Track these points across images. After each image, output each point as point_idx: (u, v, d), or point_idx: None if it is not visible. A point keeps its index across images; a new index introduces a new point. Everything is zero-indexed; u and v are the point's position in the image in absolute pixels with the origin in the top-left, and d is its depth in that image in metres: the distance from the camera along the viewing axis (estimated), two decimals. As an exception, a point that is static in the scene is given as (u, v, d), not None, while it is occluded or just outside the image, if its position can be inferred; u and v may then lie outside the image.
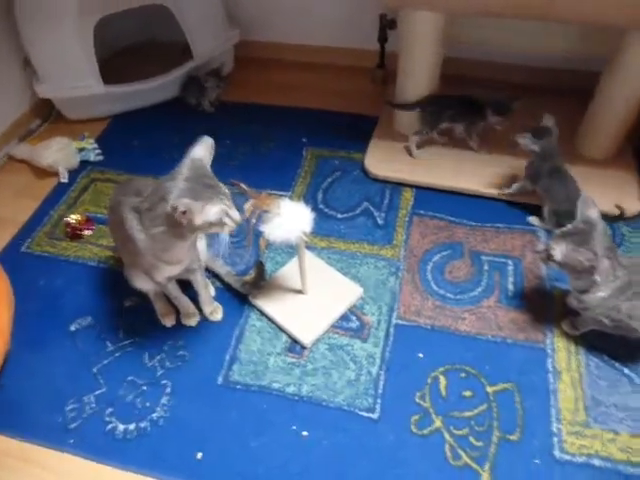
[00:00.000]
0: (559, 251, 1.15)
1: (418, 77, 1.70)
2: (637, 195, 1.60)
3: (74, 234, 1.63)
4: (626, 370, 1.25)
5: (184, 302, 1.36)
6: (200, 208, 1.02)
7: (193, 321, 1.39)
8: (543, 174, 1.51)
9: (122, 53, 2.29)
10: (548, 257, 1.18)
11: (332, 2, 2.12)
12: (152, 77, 2.02)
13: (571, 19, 1.43)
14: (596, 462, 1.11)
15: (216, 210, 1.04)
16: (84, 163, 1.89)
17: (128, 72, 2.05)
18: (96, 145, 1.93)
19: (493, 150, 1.76)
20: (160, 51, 2.26)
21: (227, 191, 1.09)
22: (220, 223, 1.07)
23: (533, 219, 1.58)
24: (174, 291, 1.31)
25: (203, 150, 1.10)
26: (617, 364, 1.26)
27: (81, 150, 1.90)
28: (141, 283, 1.30)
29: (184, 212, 1.01)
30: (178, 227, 1.05)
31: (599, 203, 1.54)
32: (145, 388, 1.28)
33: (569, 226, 1.18)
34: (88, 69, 1.92)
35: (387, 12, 1.98)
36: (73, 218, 1.65)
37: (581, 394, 1.22)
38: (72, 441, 1.20)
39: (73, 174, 1.86)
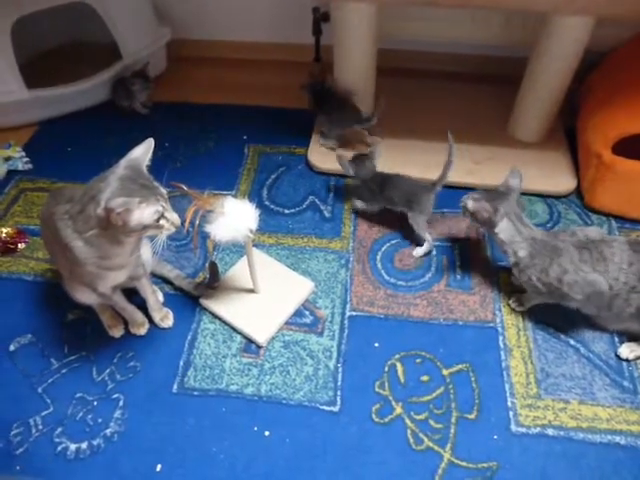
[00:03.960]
0: (471, 202, 1.30)
1: (353, 69, 1.71)
2: (570, 174, 1.67)
3: (6, 248, 1.54)
4: (572, 341, 1.31)
5: (131, 311, 1.30)
6: (134, 208, 0.97)
7: (142, 330, 1.34)
8: (375, 191, 1.53)
9: (47, 55, 2.17)
10: (464, 208, 1.33)
11: (264, -3, 2.10)
12: (80, 80, 1.93)
13: (492, 5, 1.47)
14: (550, 431, 1.16)
15: (151, 210, 1.00)
16: (12, 173, 1.79)
17: (55, 75, 1.94)
18: (24, 153, 1.83)
19: (436, 138, 1.80)
20: (88, 52, 2.16)
21: (164, 192, 1.05)
22: (157, 226, 1.02)
23: (417, 252, 1.52)
24: (120, 302, 1.26)
25: (141, 150, 1.06)
26: (562, 336, 1.32)
27: (7, 159, 1.79)
28: (83, 296, 1.24)
29: (118, 213, 0.96)
30: (111, 229, 1.00)
31: (535, 184, 1.61)
32: (96, 404, 1.23)
33: (491, 189, 1.33)
34: (9, 74, 1.81)
35: (319, 5, 1.98)
36: (4, 231, 1.56)
37: (532, 368, 1.26)
38: (19, 467, 1.13)
39: (0, 185, 1.75)
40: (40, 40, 2.13)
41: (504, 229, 1.27)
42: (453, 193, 1.66)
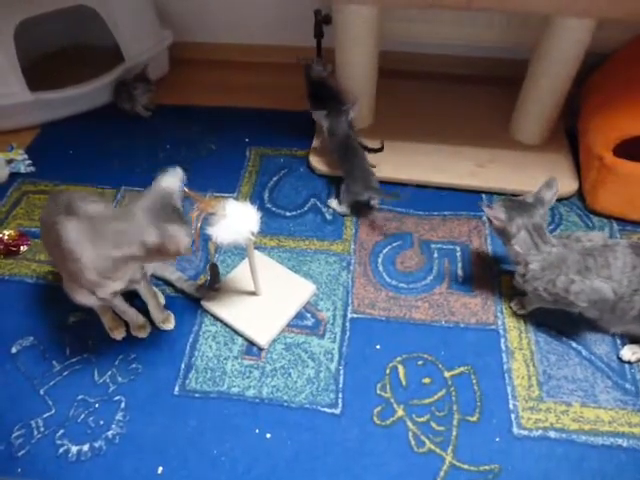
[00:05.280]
0: (487, 210, 1.25)
1: (355, 71, 1.71)
2: (571, 175, 1.67)
3: (8, 251, 1.54)
4: (574, 344, 1.31)
5: (132, 314, 1.30)
6: (187, 235, 1.03)
7: (144, 332, 1.34)
8: (334, 150, 1.64)
9: (50, 58, 2.17)
10: (488, 216, 1.27)
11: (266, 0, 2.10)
12: (82, 82, 1.94)
13: (494, 7, 1.46)
14: (552, 434, 1.16)
15: (189, 240, 1.05)
16: (14, 175, 1.79)
17: (57, 78, 1.95)
18: (26, 156, 1.83)
19: (438, 140, 1.80)
20: (91, 55, 2.16)
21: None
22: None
23: (332, 202, 1.65)
24: (121, 305, 1.26)
25: (171, 179, 1.09)
26: (564, 338, 1.32)
27: (10, 162, 1.79)
28: (83, 298, 1.24)
29: (174, 240, 1.01)
30: (154, 255, 1.03)
31: (537, 186, 1.61)
32: (97, 406, 1.23)
33: (522, 198, 1.26)
34: (11, 76, 1.82)
35: (321, 7, 1.98)
36: (6, 234, 1.56)
37: (533, 370, 1.26)
38: (20, 470, 1.13)
39: (2, 188, 1.75)
40: (43, 43, 2.14)
41: (520, 242, 1.23)
42: (455, 196, 1.67)
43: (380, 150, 1.73)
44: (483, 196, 1.66)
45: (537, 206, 1.24)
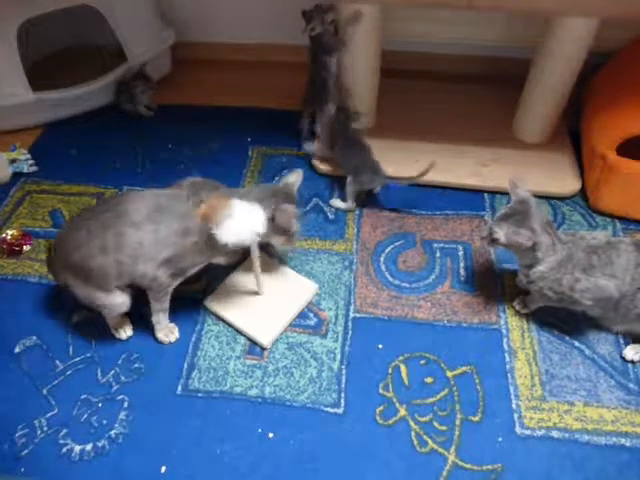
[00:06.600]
0: (502, 234, 1.19)
1: (357, 70, 1.71)
2: (575, 175, 1.66)
3: (11, 250, 1.54)
4: (576, 343, 1.30)
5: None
6: (293, 210, 1.25)
7: (173, 336, 1.34)
8: (339, 144, 1.63)
9: (52, 58, 2.17)
10: (493, 240, 1.22)
11: (266, -1, 2.11)
12: (85, 82, 1.94)
13: (497, 7, 1.46)
14: (555, 434, 1.16)
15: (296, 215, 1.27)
16: (17, 175, 1.79)
17: (60, 78, 1.95)
18: (29, 155, 1.84)
19: (441, 139, 1.79)
20: (93, 55, 2.16)
21: None
22: None
23: (335, 202, 1.65)
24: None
25: (294, 177, 1.35)
26: (567, 338, 1.31)
27: (13, 162, 1.80)
28: (115, 299, 1.24)
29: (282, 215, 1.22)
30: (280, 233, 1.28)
31: (539, 185, 1.60)
32: (100, 405, 1.23)
33: (506, 208, 1.22)
34: (14, 76, 1.82)
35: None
36: (9, 234, 1.56)
37: (536, 370, 1.26)
38: (23, 469, 1.13)
39: (5, 187, 1.76)
40: (45, 42, 2.14)
41: (544, 247, 1.19)
42: (457, 195, 1.67)
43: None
44: (485, 196, 1.66)
45: (530, 206, 1.20)
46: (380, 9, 1.57)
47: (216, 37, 2.27)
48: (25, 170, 1.80)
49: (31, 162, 1.83)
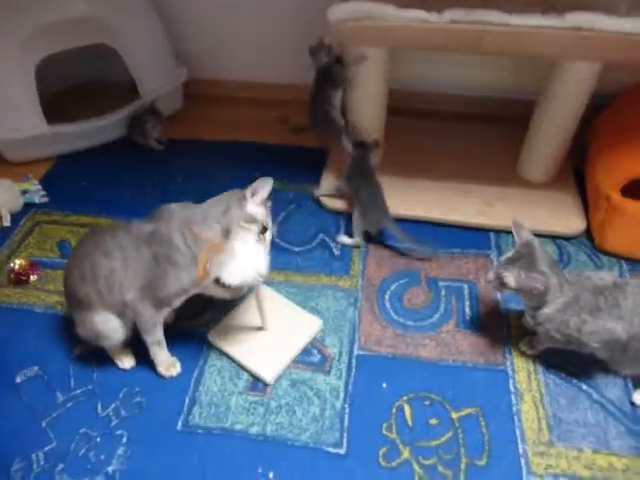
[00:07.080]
0: (512, 278, 1.19)
1: (365, 110, 1.75)
2: (580, 215, 1.67)
3: (18, 280, 1.55)
4: (584, 386, 1.28)
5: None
6: None
7: (175, 370, 1.33)
8: (353, 178, 1.65)
9: (68, 92, 2.23)
10: (501, 285, 1.21)
11: (278, 40, 2.17)
12: (98, 116, 1.99)
13: (502, 51, 1.50)
14: (563, 481, 1.12)
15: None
16: (28, 205, 1.82)
17: (74, 111, 2.01)
18: (40, 187, 1.87)
19: (447, 178, 1.81)
20: (108, 90, 2.22)
21: None
22: None
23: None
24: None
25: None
26: (575, 380, 1.29)
27: (25, 192, 1.83)
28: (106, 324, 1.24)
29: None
30: None
31: (545, 224, 1.61)
32: (99, 440, 1.21)
33: (512, 252, 1.22)
34: (30, 109, 1.87)
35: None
36: (17, 263, 1.57)
37: (543, 413, 1.23)
38: (19, 504, 1.12)
39: (16, 217, 1.78)
40: (62, 77, 2.21)
41: (553, 289, 1.17)
42: (463, 234, 1.67)
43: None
44: (491, 235, 1.66)
45: (535, 249, 1.19)
46: (387, 50, 1.61)
47: (227, 75, 2.33)
48: (36, 201, 1.83)
49: (42, 193, 1.85)
